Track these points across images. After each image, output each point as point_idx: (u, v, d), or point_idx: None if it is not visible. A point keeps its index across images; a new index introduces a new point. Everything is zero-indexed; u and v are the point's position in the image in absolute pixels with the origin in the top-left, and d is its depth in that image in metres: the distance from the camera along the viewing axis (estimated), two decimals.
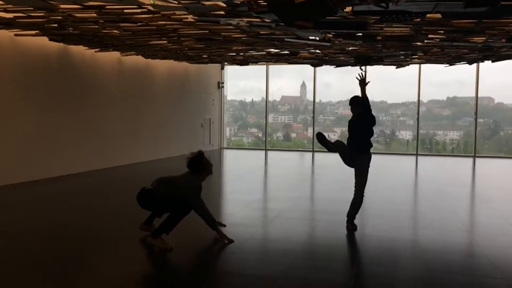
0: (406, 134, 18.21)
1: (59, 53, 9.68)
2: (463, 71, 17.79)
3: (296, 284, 3.91)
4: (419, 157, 14.97)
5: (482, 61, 11.64)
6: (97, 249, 4.83)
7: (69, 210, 6.69)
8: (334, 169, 11.90)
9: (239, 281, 4.00)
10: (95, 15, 6.50)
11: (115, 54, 11.23)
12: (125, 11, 6.23)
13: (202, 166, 4.92)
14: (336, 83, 19.54)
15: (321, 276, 4.12)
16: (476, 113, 15.10)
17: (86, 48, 10.07)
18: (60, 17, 6.81)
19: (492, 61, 11.02)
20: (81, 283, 3.90)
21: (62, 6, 6.05)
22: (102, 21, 6.93)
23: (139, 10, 6.20)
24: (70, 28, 7.68)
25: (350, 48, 9.31)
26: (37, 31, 8.17)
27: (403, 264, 4.51)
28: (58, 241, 5.09)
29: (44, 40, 8.98)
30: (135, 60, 11.98)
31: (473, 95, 15.06)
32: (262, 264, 4.49)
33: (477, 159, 14.50)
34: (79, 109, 10.28)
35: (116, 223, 5.91)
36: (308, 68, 15.41)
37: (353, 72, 17.43)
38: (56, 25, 7.39)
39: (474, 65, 13.86)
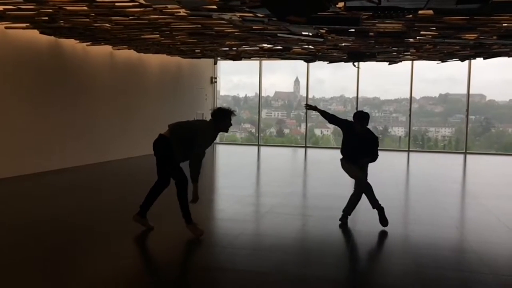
0: (398, 131, 18.28)
1: (50, 46, 9.59)
2: (455, 68, 17.91)
3: (287, 279, 3.92)
4: (411, 154, 15.05)
5: (474, 58, 11.69)
6: (89, 244, 4.81)
7: (61, 204, 6.65)
8: (327, 165, 11.94)
9: (230, 276, 4.00)
10: (86, 8, 6.44)
11: (107, 48, 11.15)
12: (116, 4, 6.18)
13: (223, 115, 4.92)
14: (329, 79, 19.57)
15: (312, 271, 4.13)
16: (467, 110, 15.19)
17: (78, 41, 9.99)
18: (50, 10, 6.74)
19: (484, 58, 11.08)
20: (73, 278, 3.88)
21: None
22: (93, 14, 6.87)
23: (130, 4, 6.16)
24: (61, 21, 7.61)
25: (343, 44, 9.31)
26: (28, 24, 8.09)
27: (393, 259, 4.53)
28: (49, 236, 5.05)
29: (34, 33, 8.89)
30: (127, 54, 11.90)
31: (465, 92, 15.14)
32: (253, 259, 4.49)
33: (468, 156, 14.60)
34: (71, 103, 10.20)
35: (108, 218, 5.88)
36: (301, 64, 15.42)
37: (346, 68, 17.48)
38: (46, 18, 7.32)
39: (466, 62, 13.93)
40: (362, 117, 5.45)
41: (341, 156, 5.70)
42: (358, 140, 5.50)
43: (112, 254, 4.50)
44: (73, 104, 10.27)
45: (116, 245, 4.77)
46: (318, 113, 5.80)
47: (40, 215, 6.00)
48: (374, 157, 5.56)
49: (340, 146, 5.73)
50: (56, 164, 9.74)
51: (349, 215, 5.70)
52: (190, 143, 4.85)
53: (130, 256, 4.49)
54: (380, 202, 5.56)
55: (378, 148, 5.59)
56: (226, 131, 5.05)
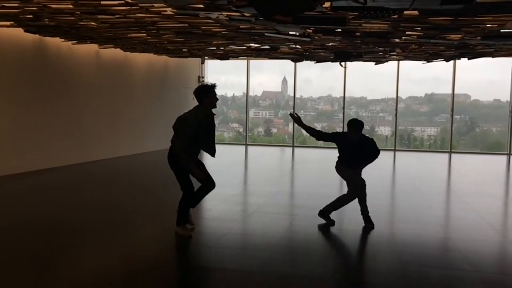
0: (385, 130, 18.43)
1: (34, 45, 9.48)
2: (441, 68, 18.11)
3: (274, 278, 3.93)
4: (397, 153, 15.18)
5: (459, 59, 11.84)
6: (72, 244, 4.76)
7: (44, 205, 6.58)
8: (314, 164, 11.98)
9: (217, 275, 4.00)
10: (71, 6, 6.37)
11: (93, 47, 11.05)
12: (102, 2, 6.12)
13: (205, 91, 4.83)
14: (316, 79, 19.64)
15: (298, 270, 4.15)
16: (452, 110, 15.37)
17: (63, 40, 9.88)
18: (35, 8, 6.66)
19: (468, 59, 11.23)
20: (56, 279, 3.84)
21: None
22: (78, 12, 6.80)
23: (116, 2, 6.11)
24: (46, 20, 7.52)
25: (330, 44, 9.36)
26: (12, 22, 7.98)
27: (379, 257, 4.57)
28: (33, 237, 5.00)
29: (19, 32, 8.77)
30: (114, 53, 11.81)
31: (450, 92, 15.32)
32: (240, 258, 4.50)
33: (453, 155, 14.78)
34: (56, 103, 10.09)
35: (92, 218, 5.83)
36: (288, 64, 15.45)
37: (334, 67, 17.57)
38: (31, 16, 7.23)
39: (451, 62, 14.09)
40: (357, 125, 5.44)
41: (336, 160, 5.70)
42: (355, 147, 5.52)
43: (97, 255, 4.46)
44: (58, 103, 10.16)
45: (100, 246, 4.73)
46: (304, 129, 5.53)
47: (22, 216, 5.93)
48: (376, 157, 5.63)
49: (338, 153, 5.68)
50: (40, 164, 9.62)
51: (329, 213, 5.73)
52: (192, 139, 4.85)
53: (114, 256, 4.46)
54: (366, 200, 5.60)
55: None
56: (214, 106, 4.93)
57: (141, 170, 10.43)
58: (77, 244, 4.78)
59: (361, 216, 5.63)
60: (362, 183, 5.60)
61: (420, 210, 6.62)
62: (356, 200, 5.60)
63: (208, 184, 5.01)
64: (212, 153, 5.04)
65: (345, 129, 5.72)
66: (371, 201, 5.71)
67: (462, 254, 4.63)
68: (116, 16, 6.98)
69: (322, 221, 5.71)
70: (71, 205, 6.58)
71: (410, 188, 8.44)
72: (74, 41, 10.09)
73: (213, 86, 4.89)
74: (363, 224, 5.58)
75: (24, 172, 9.11)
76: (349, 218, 5.95)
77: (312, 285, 3.81)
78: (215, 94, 4.91)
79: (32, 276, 3.87)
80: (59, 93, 10.19)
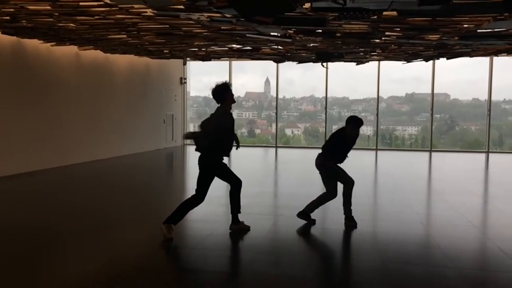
0: (367, 130, 18.60)
1: (12, 47, 9.31)
2: (420, 68, 18.39)
3: (257, 279, 3.93)
4: (378, 152, 15.33)
5: (438, 58, 12.03)
6: (55, 249, 4.69)
7: (25, 209, 6.47)
8: (297, 165, 12.03)
9: (200, 277, 3.99)
10: (49, 7, 6.28)
11: (73, 48, 10.90)
12: (80, 3, 6.05)
13: (223, 88, 5.17)
14: (299, 79, 19.73)
15: (281, 271, 4.17)
16: (432, 109, 15.60)
17: (41, 41, 9.73)
18: (12, 9, 6.55)
19: (447, 59, 11.41)
20: (39, 285, 3.78)
21: None
22: (57, 13, 6.70)
23: (95, 3, 6.04)
24: (24, 21, 7.40)
25: (311, 45, 9.41)
26: None
27: (361, 256, 4.61)
28: (14, 242, 4.91)
29: None
30: (94, 54, 11.67)
31: (430, 91, 15.55)
32: (223, 259, 4.50)
33: (433, 153, 15.00)
34: (34, 106, 9.92)
35: (75, 223, 5.75)
36: (271, 64, 15.49)
37: (316, 68, 17.66)
38: (8, 17, 7.11)
39: (430, 62, 14.30)
40: (358, 122, 5.57)
41: (315, 157, 5.72)
42: (349, 142, 5.66)
43: (81, 259, 4.40)
44: (38, 106, 10.00)
45: (84, 250, 4.67)
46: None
47: (1, 221, 5.81)
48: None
49: (328, 150, 5.67)
50: (20, 168, 9.45)
51: (309, 213, 5.76)
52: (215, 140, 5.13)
53: (98, 260, 4.41)
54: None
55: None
56: (234, 100, 5.33)
57: (124, 173, 10.33)
58: (60, 248, 4.70)
59: (343, 216, 5.67)
60: (351, 181, 5.64)
61: (401, 208, 6.70)
62: (335, 199, 5.65)
63: (199, 197, 5.16)
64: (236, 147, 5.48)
65: (330, 128, 5.76)
66: (354, 200, 5.76)
67: (443, 251, 4.70)
68: (96, 17, 6.90)
69: (303, 221, 5.73)
70: (53, 209, 6.48)
71: (392, 187, 8.53)
72: (53, 43, 9.94)
73: (226, 83, 5.23)
74: (345, 223, 5.63)
75: (3, 176, 8.93)
76: (331, 218, 5.99)
77: (296, 285, 3.82)
78: (231, 90, 5.25)
79: (14, 282, 3.80)
80: (39, 96, 10.03)
